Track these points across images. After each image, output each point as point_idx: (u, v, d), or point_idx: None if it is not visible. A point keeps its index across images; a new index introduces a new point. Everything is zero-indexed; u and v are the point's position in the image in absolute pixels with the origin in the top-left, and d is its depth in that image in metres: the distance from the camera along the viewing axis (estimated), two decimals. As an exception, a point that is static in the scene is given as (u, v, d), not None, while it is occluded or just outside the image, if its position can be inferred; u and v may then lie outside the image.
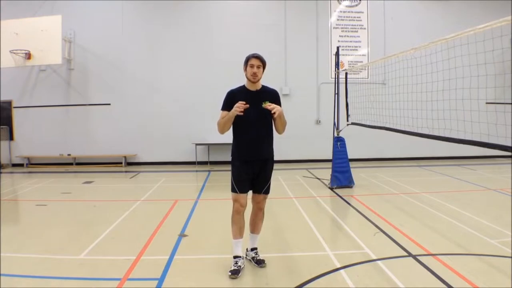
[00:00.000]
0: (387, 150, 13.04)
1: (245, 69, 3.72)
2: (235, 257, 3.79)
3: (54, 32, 11.00)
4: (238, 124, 3.65)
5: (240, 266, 3.73)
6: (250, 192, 3.86)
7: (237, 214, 3.77)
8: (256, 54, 3.70)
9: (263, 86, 3.82)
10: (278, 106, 3.62)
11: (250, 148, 3.72)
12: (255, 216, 3.95)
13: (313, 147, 12.66)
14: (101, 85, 12.57)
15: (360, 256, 4.12)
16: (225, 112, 3.66)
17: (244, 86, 3.80)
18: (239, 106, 3.48)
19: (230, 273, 3.64)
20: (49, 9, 11.73)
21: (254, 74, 3.64)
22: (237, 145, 3.78)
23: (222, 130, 3.69)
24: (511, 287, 3.28)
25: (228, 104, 3.67)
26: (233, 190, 3.77)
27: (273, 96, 3.80)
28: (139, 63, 12.56)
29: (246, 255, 4.05)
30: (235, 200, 3.77)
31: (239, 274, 3.65)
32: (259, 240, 4.07)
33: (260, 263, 3.90)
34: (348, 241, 4.74)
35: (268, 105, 3.55)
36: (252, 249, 4.02)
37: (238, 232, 3.78)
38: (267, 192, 3.90)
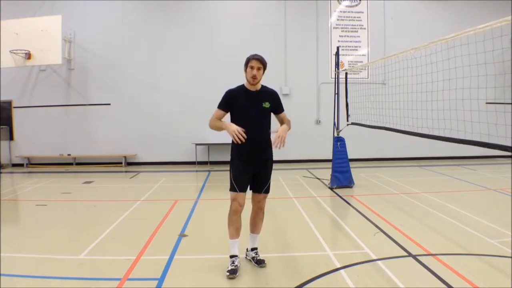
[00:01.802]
0: (387, 150, 13.04)
1: (245, 70, 3.70)
2: (231, 256, 3.76)
3: (54, 32, 11.01)
4: (239, 124, 3.58)
5: (237, 265, 3.71)
6: (249, 193, 3.86)
7: (235, 214, 3.72)
8: (257, 55, 3.66)
9: (262, 86, 3.83)
10: (282, 133, 3.60)
11: (250, 148, 3.67)
12: (256, 215, 3.93)
13: (313, 147, 12.66)
14: (101, 85, 12.57)
15: (360, 256, 4.12)
16: (221, 112, 3.71)
17: (243, 86, 3.79)
18: (240, 135, 3.44)
19: (228, 273, 3.62)
20: (49, 9, 11.73)
21: (254, 77, 3.63)
22: (238, 144, 3.66)
23: (212, 129, 3.80)
24: (511, 287, 3.28)
25: (226, 104, 3.71)
26: (232, 189, 3.72)
27: (273, 97, 3.83)
28: (139, 63, 12.56)
29: (246, 255, 4.06)
30: (234, 199, 3.71)
31: (237, 274, 3.65)
32: (260, 241, 4.07)
33: (260, 263, 3.89)
34: (348, 241, 4.73)
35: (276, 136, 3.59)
36: (252, 249, 4.00)
37: (235, 233, 3.76)
38: (267, 191, 3.89)
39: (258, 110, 3.68)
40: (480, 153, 12.58)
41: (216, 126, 3.71)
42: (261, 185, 3.82)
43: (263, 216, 3.99)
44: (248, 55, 3.73)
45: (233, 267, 3.68)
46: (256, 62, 3.62)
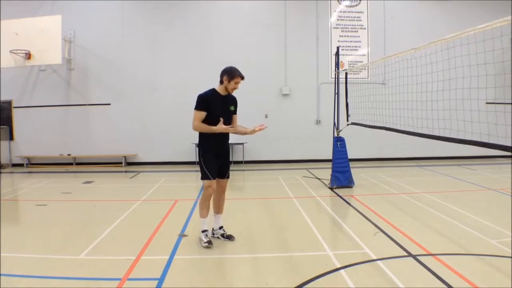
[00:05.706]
0: (387, 150, 13.04)
1: (228, 81, 4.37)
2: (204, 231, 4.50)
3: (54, 32, 11.00)
4: (211, 123, 4.36)
5: (210, 237, 4.57)
6: None
7: (209, 198, 4.49)
8: (242, 74, 4.40)
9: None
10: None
11: (219, 143, 4.53)
12: (220, 197, 4.77)
13: (313, 147, 12.66)
14: (101, 85, 12.57)
15: (360, 256, 4.12)
16: (203, 113, 4.39)
17: (215, 90, 4.50)
18: (227, 128, 4.35)
19: (207, 244, 4.37)
20: (49, 9, 11.72)
21: (234, 89, 4.48)
22: (210, 140, 4.48)
23: (198, 131, 4.53)
24: (511, 287, 3.28)
25: (205, 106, 4.39)
26: (206, 177, 4.43)
27: (235, 102, 4.68)
28: (139, 63, 12.56)
29: (214, 234, 4.75)
30: (209, 186, 4.44)
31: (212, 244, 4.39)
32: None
33: (230, 237, 4.66)
34: (348, 241, 4.74)
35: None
36: (220, 227, 4.76)
37: (207, 213, 4.51)
38: (229, 176, 4.78)
39: (226, 112, 4.47)
40: (480, 153, 12.56)
41: (205, 129, 4.40)
42: (226, 172, 4.70)
43: (224, 197, 4.83)
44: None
45: (209, 239, 4.47)
46: (241, 81, 4.43)
